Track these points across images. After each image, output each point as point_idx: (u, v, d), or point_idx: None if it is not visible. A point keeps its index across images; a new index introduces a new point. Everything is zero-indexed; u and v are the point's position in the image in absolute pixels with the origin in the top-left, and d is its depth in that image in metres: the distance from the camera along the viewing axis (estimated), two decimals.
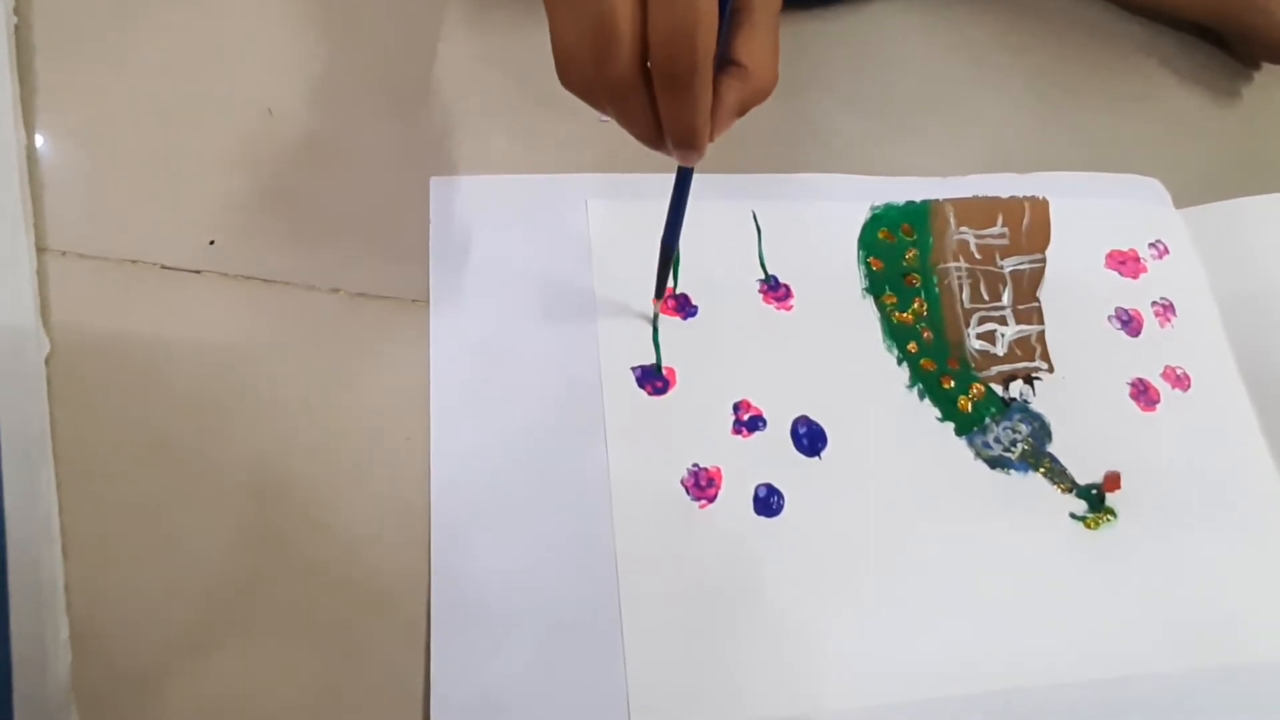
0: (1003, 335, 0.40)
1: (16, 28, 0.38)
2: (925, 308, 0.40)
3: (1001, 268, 0.41)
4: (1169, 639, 0.34)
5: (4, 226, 0.34)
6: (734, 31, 0.26)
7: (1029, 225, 0.42)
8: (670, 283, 0.38)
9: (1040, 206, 0.43)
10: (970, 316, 0.40)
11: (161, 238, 0.36)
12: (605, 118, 0.26)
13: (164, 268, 0.36)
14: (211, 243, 0.36)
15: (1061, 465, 0.37)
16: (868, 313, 0.39)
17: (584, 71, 0.25)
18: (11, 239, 0.34)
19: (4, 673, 0.28)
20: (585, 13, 0.24)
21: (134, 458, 0.32)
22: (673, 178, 0.31)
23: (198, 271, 0.36)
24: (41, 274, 0.34)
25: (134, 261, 0.35)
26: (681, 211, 0.32)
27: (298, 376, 0.34)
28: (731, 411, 0.36)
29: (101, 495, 0.31)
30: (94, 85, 0.39)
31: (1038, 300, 0.41)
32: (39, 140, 0.37)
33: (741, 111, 0.26)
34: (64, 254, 0.35)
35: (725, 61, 0.26)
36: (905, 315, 0.39)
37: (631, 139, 0.26)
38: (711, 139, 0.26)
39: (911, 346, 0.39)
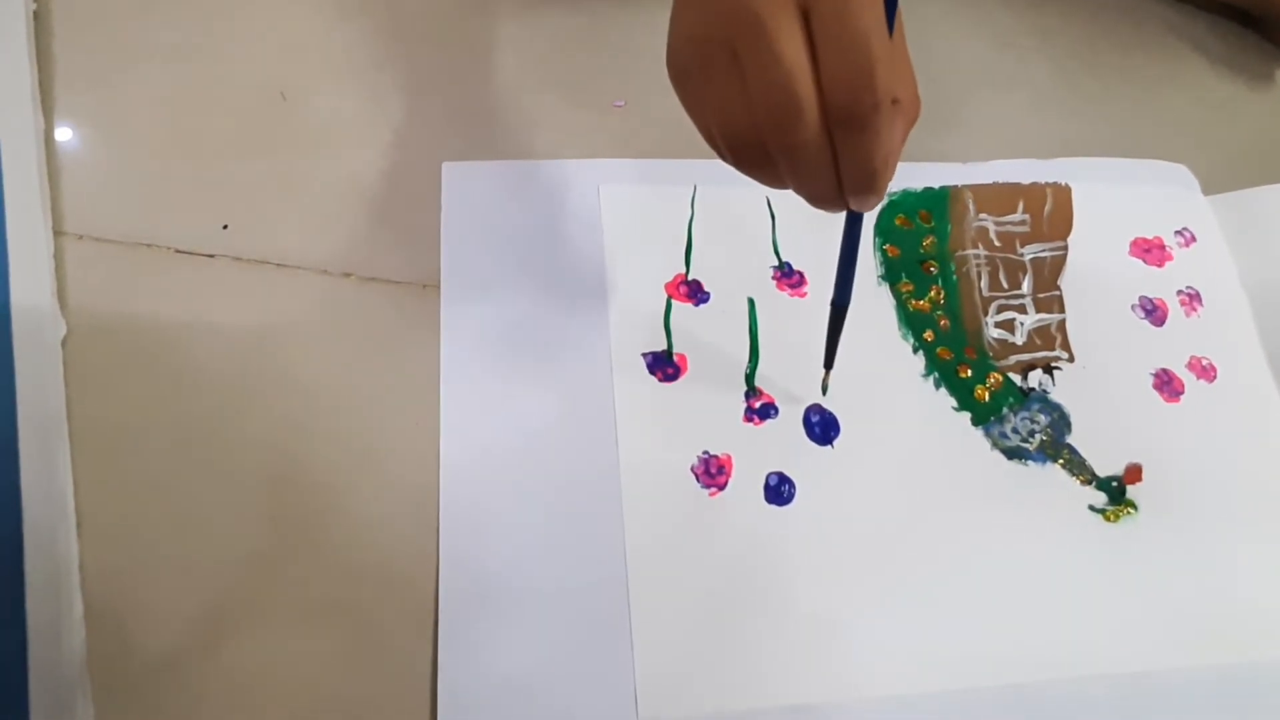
0: (1022, 324, 0.39)
1: (35, 13, 0.39)
2: (942, 295, 0.39)
3: (1022, 255, 0.40)
4: (1190, 635, 0.33)
5: (22, 210, 0.35)
6: None
7: (1051, 212, 0.41)
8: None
9: (1063, 193, 0.42)
10: (989, 304, 0.39)
11: (176, 222, 0.36)
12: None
13: (178, 251, 0.36)
14: (225, 227, 0.37)
15: (1081, 457, 0.36)
16: (883, 300, 0.38)
17: (764, 144, 0.24)
18: (29, 222, 0.34)
19: (19, 649, 0.28)
20: (758, 84, 0.23)
21: (148, 439, 0.32)
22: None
23: (211, 255, 0.36)
24: (58, 257, 0.35)
25: (149, 245, 0.36)
26: (853, 265, 0.30)
27: (309, 360, 0.34)
28: (743, 399, 0.36)
29: (116, 476, 0.32)
30: (111, 70, 0.39)
31: (1059, 288, 0.40)
32: (57, 125, 0.37)
33: (904, 143, 0.25)
34: (80, 237, 0.35)
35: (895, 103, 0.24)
36: (921, 303, 0.39)
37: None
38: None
39: (928, 334, 0.38)
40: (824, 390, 0.36)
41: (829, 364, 0.35)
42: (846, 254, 0.30)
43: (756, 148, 0.24)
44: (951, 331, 0.38)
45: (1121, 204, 0.42)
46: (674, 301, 0.37)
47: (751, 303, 0.37)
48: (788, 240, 0.39)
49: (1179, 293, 0.40)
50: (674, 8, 0.26)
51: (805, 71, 0.22)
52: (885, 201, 0.41)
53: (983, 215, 0.41)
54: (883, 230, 0.40)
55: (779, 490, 0.34)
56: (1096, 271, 0.40)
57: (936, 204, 0.41)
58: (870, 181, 0.24)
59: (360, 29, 0.42)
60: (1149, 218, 0.42)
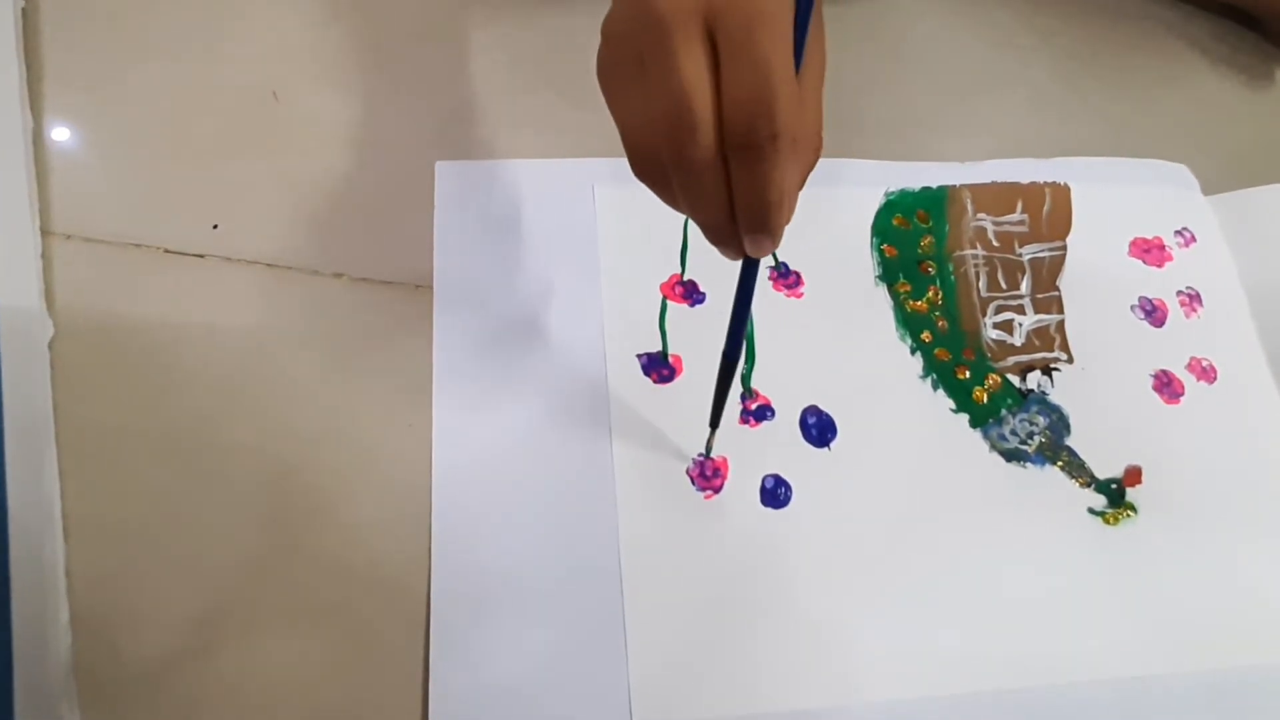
0: (1020, 325, 0.38)
1: (24, 11, 0.38)
2: (940, 296, 0.39)
3: (1020, 255, 0.40)
4: (1190, 638, 0.33)
5: (9, 210, 0.34)
6: None
7: (1050, 212, 0.41)
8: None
9: (1062, 192, 0.42)
10: (987, 305, 0.39)
11: (165, 221, 0.36)
12: None
13: (167, 251, 0.35)
14: (215, 227, 0.36)
15: (1080, 459, 0.36)
16: (880, 301, 0.38)
17: (659, 156, 0.24)
18: (17, 222, 0.34)
19: (4, 656, 0.28)
20: (658, 95, 0.22)
21: (137, 441, 0.32)
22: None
23: (201, 256, 0.36)
24: (46, 257, 0.34)
25: (138, 245, 0.35)
26: (745, 316, 0.28)
27: (300, 361, 0.34)
28: (739, 400, 0.35)
29: (103, 479, 0.31)
30: (100, 69, 0.39)
31: (1058, 289, 0.39)
32: (45, 124, 0.37)
33: (801, 187, 0.25)
34: (69, 237, 0.35)
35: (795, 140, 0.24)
36: (919, 304, 0.38)
37: None
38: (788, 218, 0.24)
39: (925, 336, 0.38)
40: (708, 451, 0.34)
41: (714, 422, 0.32)
42: (740, 304, 0.28)
43: (652, 160, 0.24)
44: (949, 332, 0.38)
45: (1121, 204, 0.42)
46: (669, 302, 0.37)
47: (750, 320, 0.37)
48: (784, 240, 0.38)
49: (1179, 293, 0.40)
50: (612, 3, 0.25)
51: (704, 89, 0.22)
52: (883, 201, 0.40)
53: (981, 215, 0.41)
54: (880, 230, 0.40)
55: (775, 493, 0.34)
56: (1096, 272, 0.40)
57: (934, 204, 0.41)
58: (763, 218, 0.23)
59: (353, 27, 0.41)
60: (1148, 218, 0.42)
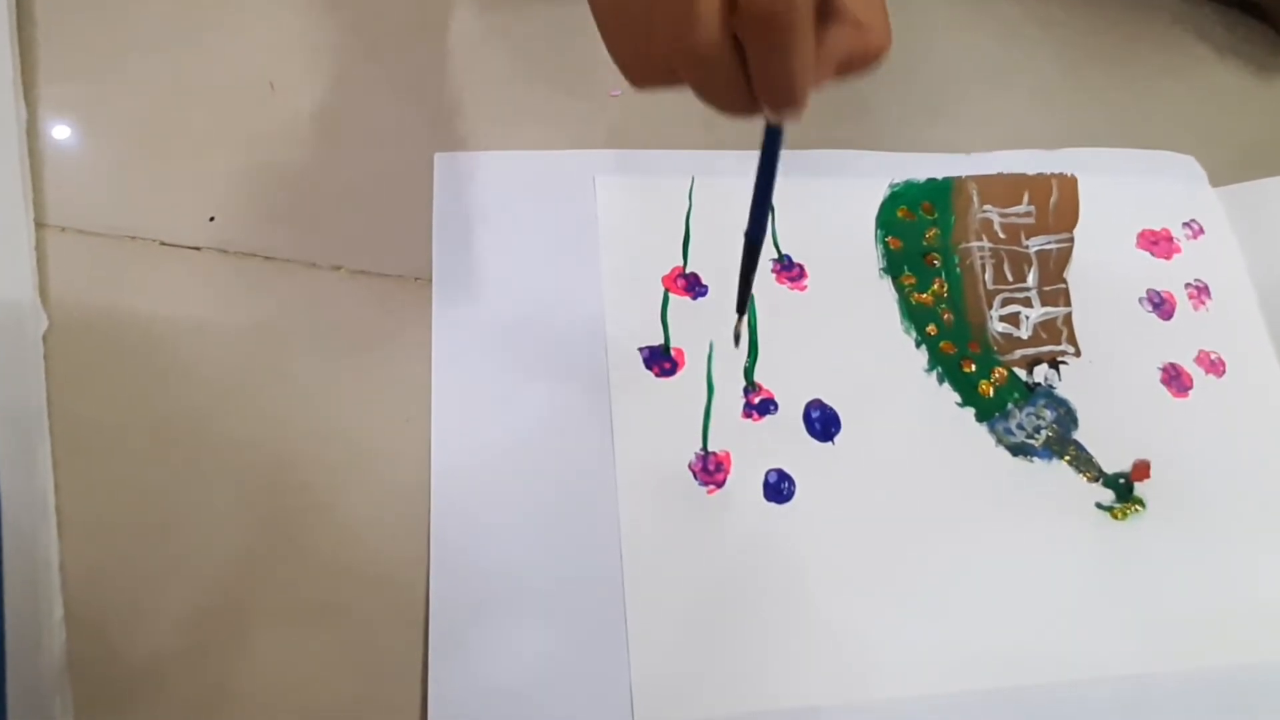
0: (1027, 318, 0.38)
1: (18, 2, 0.38)
2: (946, 289, 0.38)
3: (1027, 247, 0.40)
4: (1200, 634, 0.33)
5: (3, 202, 0.34)
6: None
7: (1056, 203, 0.41)
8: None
9: (1069, 184, 0.41)
10: (993, 298, 0.38)
11: (161, 214, 0.35)
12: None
13: (163, 244, 0.35)
14: (211, 219, 0.36)
15: (1088, 453, 0.35)
16: (885, 293, 0.38)
17: (662, 44, 0.21)
18: (10, 215, 0.34)
19: None
20: None
21: (131, 435, 0.32)
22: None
23: (197, 248, 0.35)
24: (40, 250, 0.34)
25: (133, 238, 0.35)
26: (769, 192, 0.26)
27: (297, 355, 0.34)
28: (742, 394, 0.35)
29: (98, 473, 0.31)
30: (95, 61, 0.38)
31: (1065, 281, 0.39)
32: (39, 116, 0.37)
33: (845, 69, 0.22)
34: (63, 230, 0.35)
35: (831, 13, 0.21)
36: (924, 296, 0.38)
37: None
38: (815, 87, 0.21)
39: (930, 329, 0.37)
40: (736, 339, 0.32)
41: (741, 308, 0.30)
42: (763, 178, 0.25)
43: (653, 59, 0.22)
44: (955, 325, 0.37)
45: (1128, 195, 0.41)
46: (671, 295, 0.36)
47: (751, 296, 0.36)
48: (788, 233, 0.38)
49: (1187, 285, 0.40)
50: None
51: None
52: (888, 192, 0.40)
53: (987, 207, 0.40)
54: (885, 222, 0.39)
55: (778, 488, 0.33)
56: (1103, 264, 0.39)
57: (940, 195, 0.40)
58: (788, 94, 0.21)
59: (350, 18, 0.41)
60: (1156, 209, 0.41)
